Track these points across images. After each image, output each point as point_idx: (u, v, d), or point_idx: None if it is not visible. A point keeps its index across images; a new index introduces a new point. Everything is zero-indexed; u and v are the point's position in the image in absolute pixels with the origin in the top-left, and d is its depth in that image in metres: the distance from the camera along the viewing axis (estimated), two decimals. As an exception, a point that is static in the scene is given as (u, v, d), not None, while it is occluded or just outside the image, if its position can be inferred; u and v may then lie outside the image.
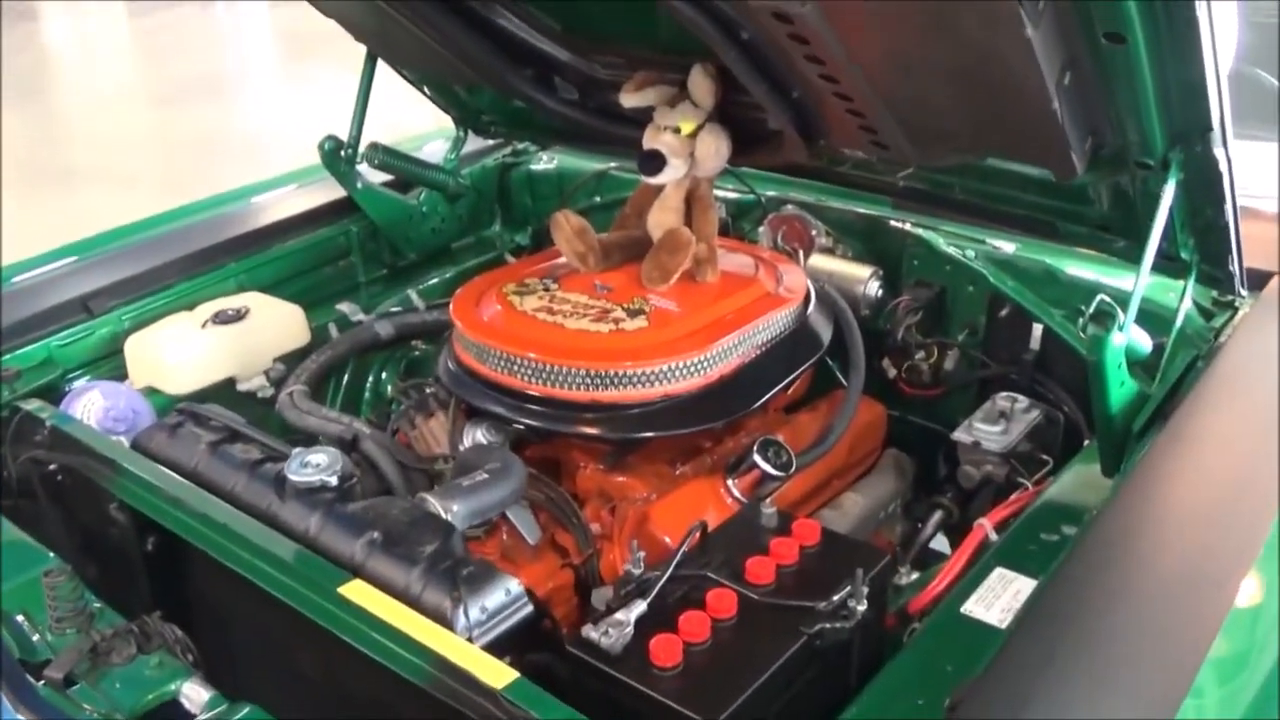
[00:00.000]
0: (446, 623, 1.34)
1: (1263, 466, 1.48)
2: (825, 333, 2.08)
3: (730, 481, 1.88)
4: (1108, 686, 1.16)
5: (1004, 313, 2.23)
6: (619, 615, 1.33)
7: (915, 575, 1.75)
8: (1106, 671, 1.18)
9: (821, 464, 2.02)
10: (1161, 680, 1.17)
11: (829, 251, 2.40)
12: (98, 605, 1.53)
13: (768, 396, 1.95)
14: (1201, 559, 1.35)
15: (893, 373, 2.33)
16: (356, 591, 1.38)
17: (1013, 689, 1.17)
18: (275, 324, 2.31)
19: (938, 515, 2.13)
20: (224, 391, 2.20)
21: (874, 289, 2.31)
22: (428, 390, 2.12)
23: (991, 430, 2.01)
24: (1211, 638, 1.21)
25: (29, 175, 7.16)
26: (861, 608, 1.37)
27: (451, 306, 2.03)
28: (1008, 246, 2.25)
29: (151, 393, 2.14)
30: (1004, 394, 2.08)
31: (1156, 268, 1.73)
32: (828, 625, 1.36)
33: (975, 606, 1.37)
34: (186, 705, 1.39)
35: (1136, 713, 1.13)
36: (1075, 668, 1.18)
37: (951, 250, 2.29)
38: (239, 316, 2.25)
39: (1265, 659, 1.26)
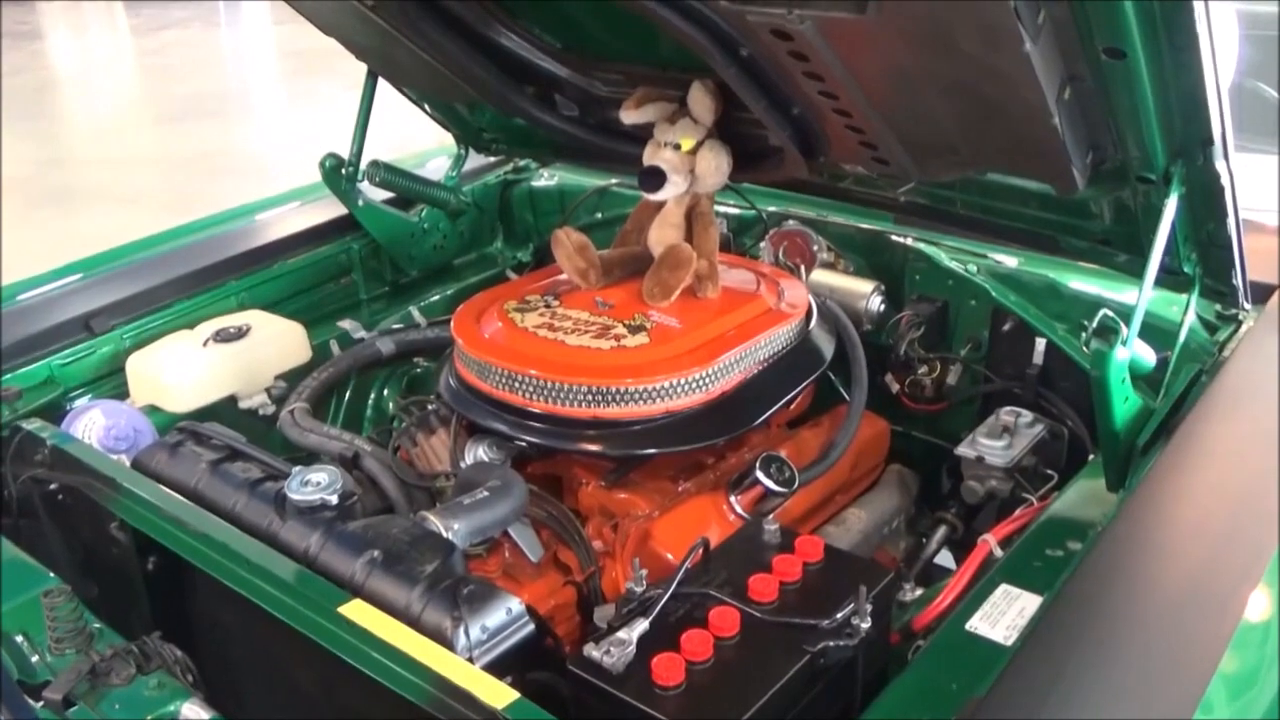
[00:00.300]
0: (447, 642, 1.33)
1: (1268, 480, 1.47)
2: (827, 348, 2.07)
3: (733, 498, 1.87)
4: (1114, 704, 1.15)
5: (1007, 327, 2.22)
6: (621, 634, 1.32)
7: (920, 591, 1.74)
8: (1113, 689, 1.17)
9: (824, 480, 2.01)
10: (1169, 697, 1.15)
11: (830, 267, 2.39)
12: (97, 625, 1.51)
13: (770, 412, 1.94)
14: (1208, 574, 1.34)
15: (896, 388, 2.32)
16: (356, 611, 1.37)
17: (1018, 708, 1.16)
18: (276, 341, 2.31)
19: (942, 531, 2.11)
20: (225, 409, 2.20)
21: (876, 304, 2.30)
22: (429, 407, 2.11)
23: (995, 445, 2.00)
24: (1220, 654, 1.19)
25: (31, 195, 7.18)
26: (865, 625, 1.36)
27: (452, 323, 2.03)
28: (1010, 261, 2.25)
29: (153, 411, 2.14)
30: (1008, 409, 2.08)
31: (1159, 282, 1.73)
32: (831, 643, 1.35)
33: (980, 623, 1.36)
34: (186, 726, 1.38)
35: (1144, 730, 1.12)
36: (1081, 685, 1.17)
37: (954, 265, 2.29)
38: (240, 334, 2.25)
39: (1275, 674, 1.24)
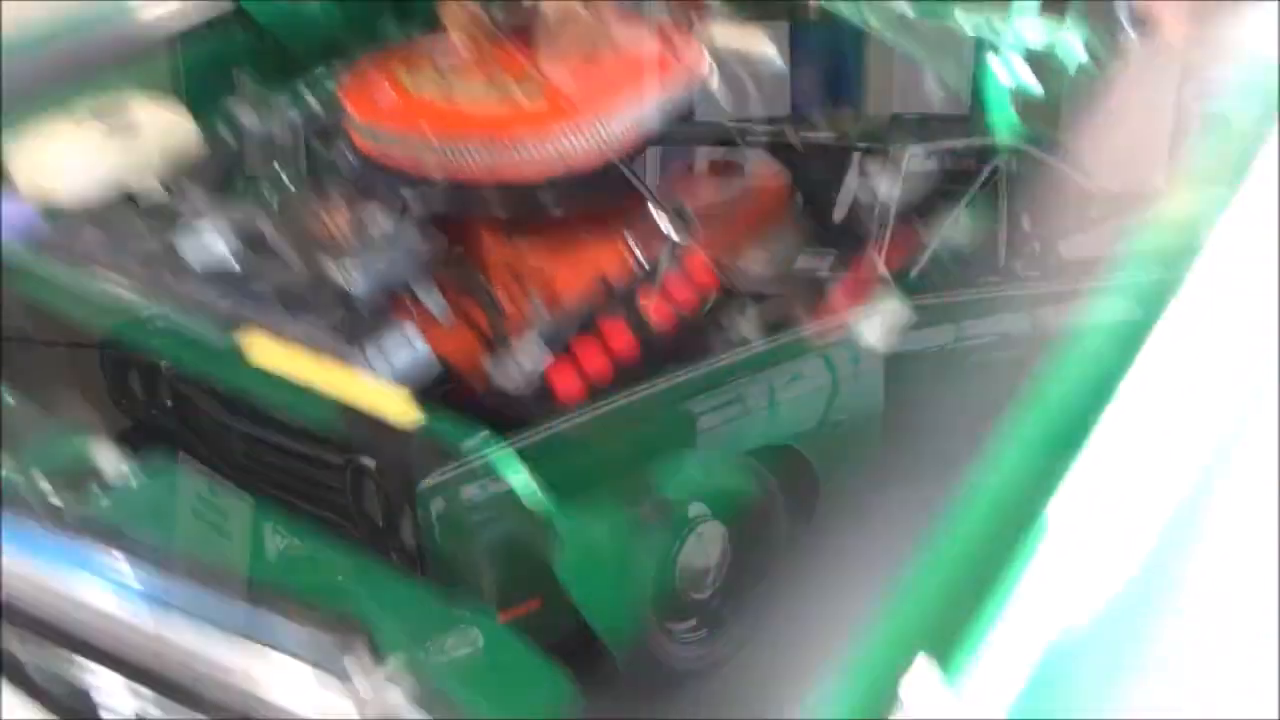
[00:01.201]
0: (351, 370, 1.37)
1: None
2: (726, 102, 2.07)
3: (632, 243, 1.90)
4: None
5: None
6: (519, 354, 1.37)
7: None
8: None
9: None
10: None
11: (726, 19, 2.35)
12: None
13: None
14: None
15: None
16: (264, 350, 1.39)
17: None
18: (163, 130, 2.23)
19: None
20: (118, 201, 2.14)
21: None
22: (330, 179, 2.09)
23: None
24: None
25: None
26: None
27: (343, 93, 1.99)
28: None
29: (42, 203, 2.07)
30: None
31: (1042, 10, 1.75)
32: None
33: None
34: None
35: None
36: None
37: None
38: (127, 124, 2.16)
39: None
